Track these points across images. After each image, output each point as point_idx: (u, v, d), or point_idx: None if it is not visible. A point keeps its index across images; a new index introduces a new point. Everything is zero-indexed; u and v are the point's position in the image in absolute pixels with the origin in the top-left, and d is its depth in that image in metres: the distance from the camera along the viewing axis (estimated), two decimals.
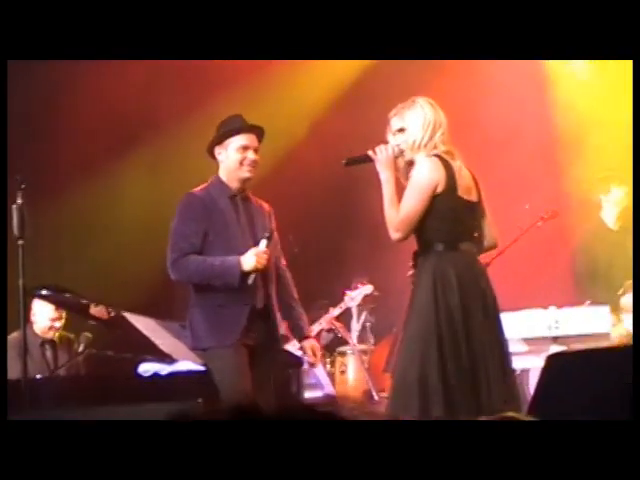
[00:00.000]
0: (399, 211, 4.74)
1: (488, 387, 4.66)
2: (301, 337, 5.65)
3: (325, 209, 9.08)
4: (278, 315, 5.49)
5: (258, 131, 5.46)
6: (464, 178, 4.86)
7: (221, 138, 5.40)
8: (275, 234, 5.54)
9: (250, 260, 5.23)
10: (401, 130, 4.83)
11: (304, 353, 5.67)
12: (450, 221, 4.79)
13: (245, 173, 5.36)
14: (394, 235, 4.76)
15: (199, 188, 5.44)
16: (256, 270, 5.24)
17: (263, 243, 5.30)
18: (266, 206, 5.58)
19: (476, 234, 4.95)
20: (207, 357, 5.28)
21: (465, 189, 4.85)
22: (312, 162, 8.65)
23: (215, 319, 5.29)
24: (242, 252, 5.29)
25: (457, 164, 4.84)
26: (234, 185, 5.41)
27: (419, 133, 4.78)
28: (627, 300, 7.45)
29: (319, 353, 5.68)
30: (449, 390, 4.59)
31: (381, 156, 4.81)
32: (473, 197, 4.91)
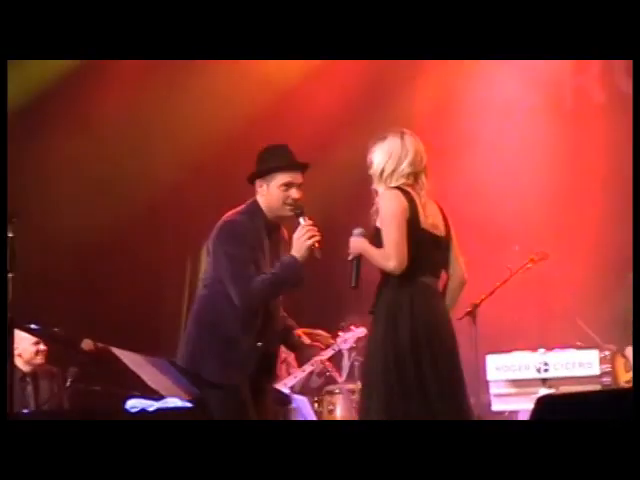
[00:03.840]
0: (384, 245, 4.82)
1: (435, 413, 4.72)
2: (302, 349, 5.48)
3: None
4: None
5: (304, 168, 5.24)
6: (429, 211, 4.94)
7: (264, 172, 5.18)
8: None
9: (299, 245, 5.03)
10: (371, 163, 5.00)
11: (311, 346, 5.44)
12: (412, 253, 4.83)
13: (286, 212, 5.17)
14: (389, 265, 4.79)
15: (238, 212, 5.21)
16: (314, 246, 5.03)
17: (302, 220, 5.09)
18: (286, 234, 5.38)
19: (441, 269, 4.99)
20: (211, 393, 5.08)
21: (430, 222, 4.92)
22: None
23: (227, 355, 5.09)
24: None
25: (421, 197, 4.91)
26: (272, 217, 5.21)
27: (380, 166, 4.94)
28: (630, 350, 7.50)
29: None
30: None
31: (353, 247, 4.97)
32: (439, 231, 4.97)
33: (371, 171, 4.98)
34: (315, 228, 5.08)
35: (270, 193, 5.16)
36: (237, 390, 5.07)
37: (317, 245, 5.05)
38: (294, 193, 5.14)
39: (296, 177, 5.17)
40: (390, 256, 4.78)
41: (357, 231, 5.00)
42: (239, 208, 5.27)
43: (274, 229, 5.26)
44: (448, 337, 4.89)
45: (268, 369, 5.30)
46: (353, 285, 5.00)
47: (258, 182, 5.20)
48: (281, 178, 5.14)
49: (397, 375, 4.73)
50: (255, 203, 5.22)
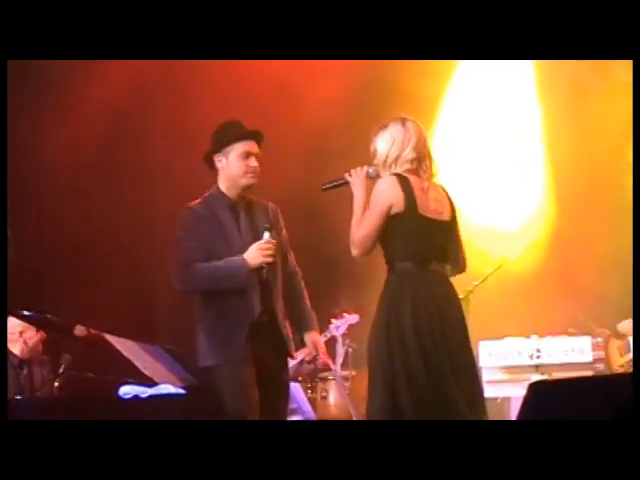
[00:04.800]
0: (359, 228, 4.83)
1: (451, 402, 4.69)
2: (304, 330, 5.46)
3: (309, 230, 9.08)
4: (287, 329, 5.36)
5: (258, 137, 5.37)
6: (431, 197, 4.89)
7: (221, 145, 5.31)
8: (284, 232, 5.46)
9: (254, 255, 5.17)
10: (374, 152, 4.98)
11: (306, 347, 5.44)
12: (413, 240, 4.83)
13: (248, 180, 5.29)
14: (352, 251, 4.84)
15: (198, 200, 5.36)
16: (265, 263, 5.16)
17: (265, 235, 5.22)
18: (272, 205, 5.48)
19: (449, 253, 4.95)
20: (214, 375, 5.17)
21: (431, 208, 4.88)
22: (296, 185, 8.62)
23: (214, 333, 5.21)
24: None
25: (423, 182, 4.88)
26: (234, 193, 5.32)
27: (384, 154, 4.92)
28: (624, 325, 7.51)
29: (322, 347, 5.48)
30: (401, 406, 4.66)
31: (354, 177, 4.97)
32: (444, 216, 4.94)
33: (375, 160, 4.95)
34: (273, 248, 5.21)
35: (230, 164, 5.30)
36: (239, 371, 5.12)
37: (266, 265, 5.17)
38: (253, 162, 5.29)
39: (253, 146, 5.32)
40: (355, 244, 4.81)
41: (372, 170, 4.97)
42: (201, 197, 5.38)
43: (243, 205, 5.35)
44: (457, 323, 4.86)
45: (273, 345, 5.31)
46: (323, 187, 5.07)
47: (216, 157, 5.34)
48: (239, 147, 5.29)
49: (404, 361, 4.69)
50: (216, 188, 5.36)
